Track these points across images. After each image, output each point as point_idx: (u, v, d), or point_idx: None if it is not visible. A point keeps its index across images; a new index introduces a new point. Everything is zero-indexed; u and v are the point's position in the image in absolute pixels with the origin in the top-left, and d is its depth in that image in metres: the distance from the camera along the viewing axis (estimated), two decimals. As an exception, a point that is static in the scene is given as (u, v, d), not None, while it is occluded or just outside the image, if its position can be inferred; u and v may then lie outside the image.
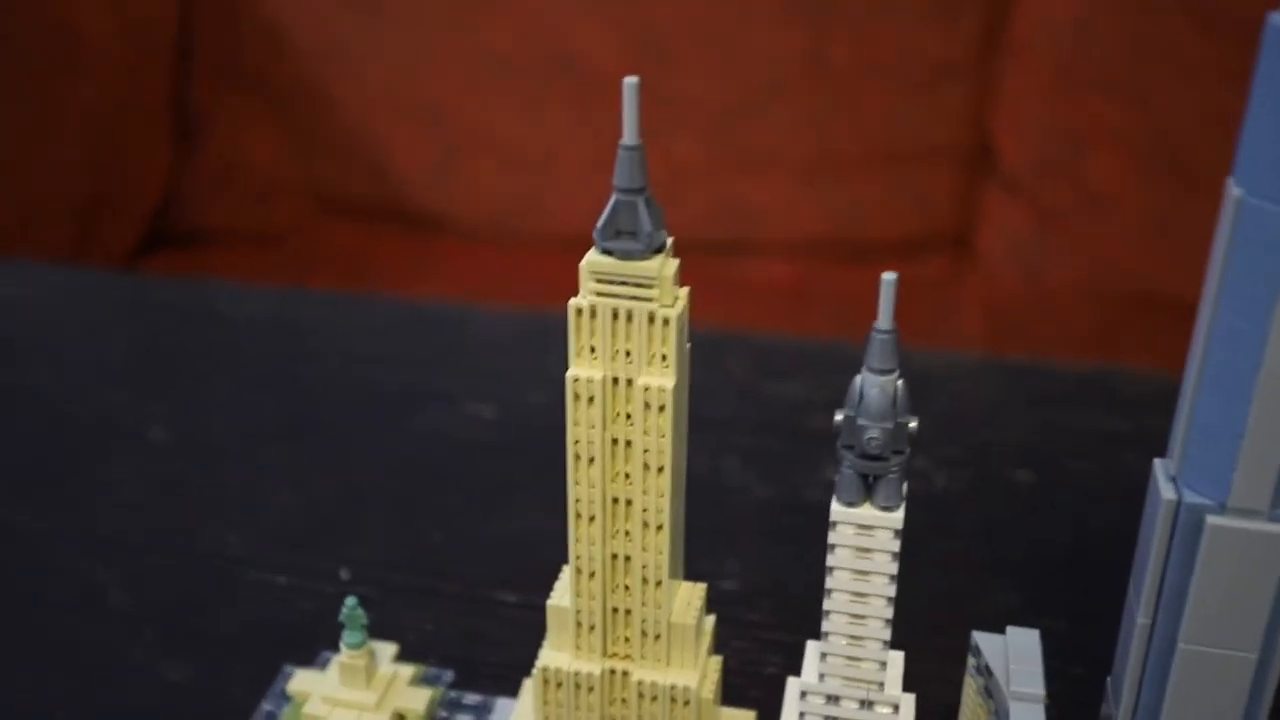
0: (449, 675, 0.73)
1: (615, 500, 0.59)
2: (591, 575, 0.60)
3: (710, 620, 0.64)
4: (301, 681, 0.71)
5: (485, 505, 0.91)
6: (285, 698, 0.71)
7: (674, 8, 1.67)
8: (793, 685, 0.63)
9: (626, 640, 0.62)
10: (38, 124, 1.63)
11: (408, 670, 0.72)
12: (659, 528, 0.59)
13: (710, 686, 0.63)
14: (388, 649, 0.72)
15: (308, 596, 0.81)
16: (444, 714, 0.70)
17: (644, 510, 0.58)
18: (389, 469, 0.95)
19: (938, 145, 1.72)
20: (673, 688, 0.61)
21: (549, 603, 0.62)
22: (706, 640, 0.64)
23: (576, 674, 0.62)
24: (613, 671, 0.63)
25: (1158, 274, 1.58)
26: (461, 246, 1.78)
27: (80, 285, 1.27)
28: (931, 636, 0.67)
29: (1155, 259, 1.59)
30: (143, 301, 1.25)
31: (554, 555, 0.85)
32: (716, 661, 0.65)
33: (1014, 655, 0.60)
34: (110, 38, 1.69)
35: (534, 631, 0.78)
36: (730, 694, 0.68)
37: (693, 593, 0.63)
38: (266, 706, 0.70)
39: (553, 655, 0.63)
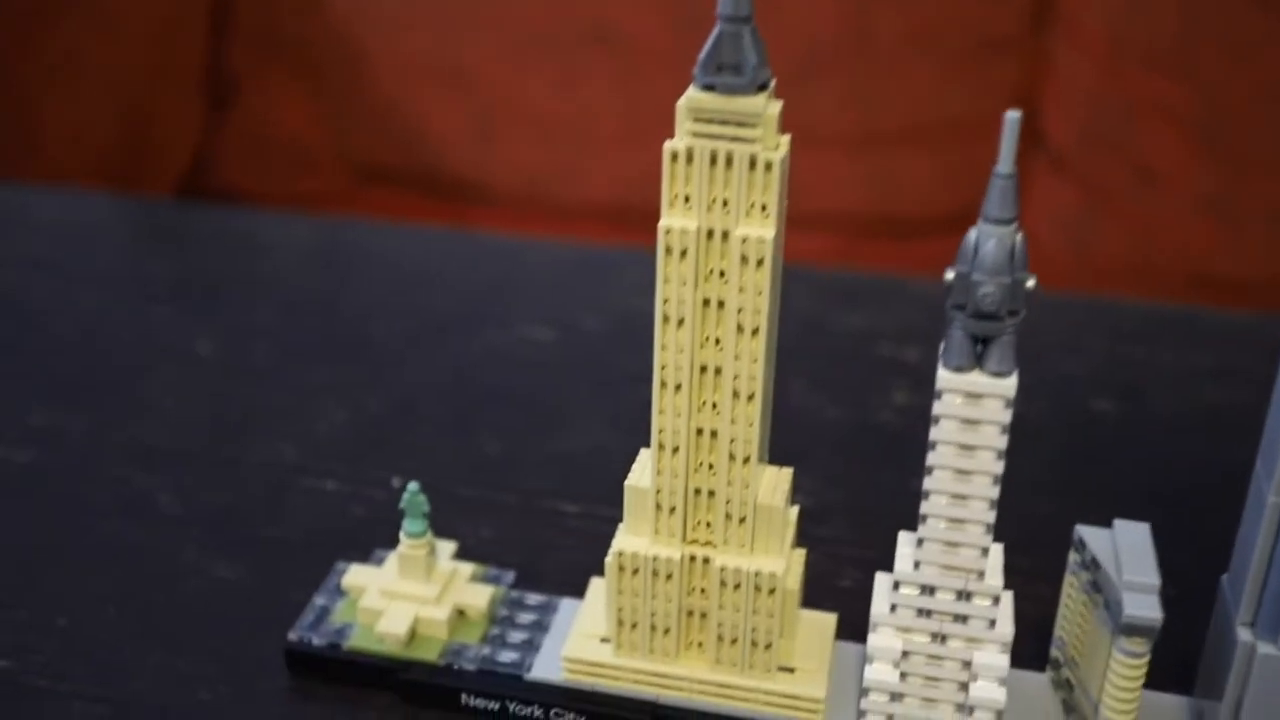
0: (510, 576, 0.70)
1: (704, 368, 0.56)
2: (675, 451, 0.58)
3: (794, 510, 0.61)
4: (357, 575, 0.68)
5: (542, 422, 0.88)
6: (339, 593, 0.68)
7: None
8: (882, 580, 0.61)
9: (708, 525, 0.59)
10: (69, 84, 1.61)
11: (467, 568, 0.69)
12: (750, 398, 0.56)
13: (795, 577, 0.60)
14: (447, 546, 0.70)
15: (359, 503, 0.79)
16: (505, 612, 0.67)
17: (735, 378, 0.55)
18: (442, 388, 0.92)
19: (984, 120, 1.69)
20: (757, 574, 0.58)
21: (627, 483, 0.59)
22: (791, 530, 0.61)
23: (655, 559, 0.59)
24: (693, 558, 0.60)
25: (1209, 253, 1.55)
26: (497, 215, 1.76)
27: (125, 212, 1.26)
28: (1011, 556, 0.65)
29: (1207, 238, 1.56)
30: (185, 229, 1.23)
31: (615, 470, 0.82)
32: (800, 554, 0.62)
33: (1124, 547, 0.57)
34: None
35: (597, 541, 0.75)
36: (806, 605, 0.65)
37: (779, 477, 0.60)
38: (319, 601, 0.67)
39: (629, 540, 0.60)
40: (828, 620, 0.64)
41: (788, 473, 0.60)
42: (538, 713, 0.62)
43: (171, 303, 1.04)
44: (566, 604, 0.67)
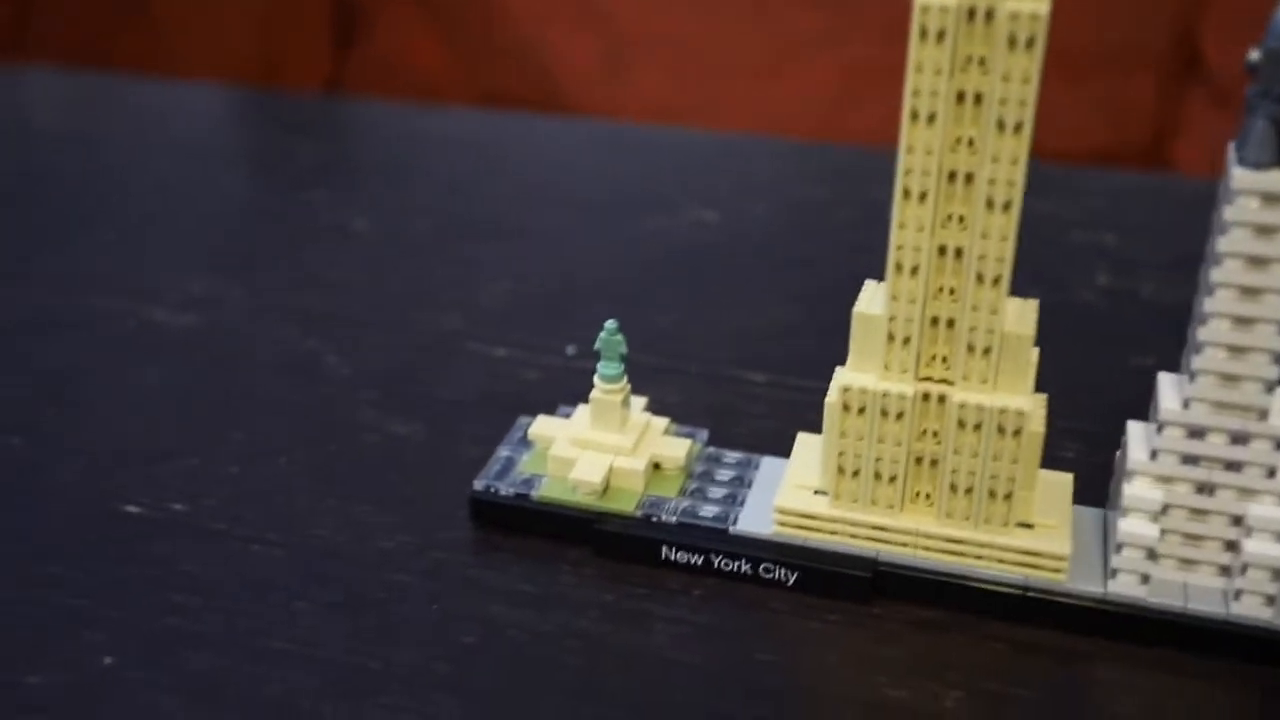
0: (704, 434, 0.65)
1: (953, 174, 0.50)
2: (913, 272, 0.52)
3: (1036, 351, 0.55)
4: (544, 426, 0.64)
5: (715, 297, 0.83)
6: (525, 445, 0.64)
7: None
8: (1135, 429, 0.54)
9: (944, 360, 0.53)
10: (199, 18, 1.61)
11: (660, 421, 0.64)
12: (1006, 207, 0.50)
13: (1040, 419, 0.54)
14: (638, 401, 0.65)
15: (532, 368, 0.75)
16: (703, 468, 0.62)
17: (990, 183, 0.49)
18: (608, 265, 0.88)
19: (1137, 50, 1.60)
20: (1001, 412, 0.52)
21: (855, 310, 0.54)
22: (1034, 370, 0.55)
23: (884, 395, 0.54)
24: (926, 396, 0.54)
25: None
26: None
27: (270, 106, 1.24)
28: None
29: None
30: (336, 118, 1.20)
31: (797, 344, 0.77)
32: (1043, 398, 0.56)
33: None
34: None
35: (786, 407, 0.70)
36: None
37: (1024, 308, 0.54)
38: (504, 452, 0.63)
39: (855, 376, 0.55)
40: (1064, 479, 0.58)
41: (1033, 304, 0.54)
42: (744, 567, 0.57)
43: (323, 186, 1.01)
44: (769, 461, 0.62)
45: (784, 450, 0.62)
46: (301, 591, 0.57)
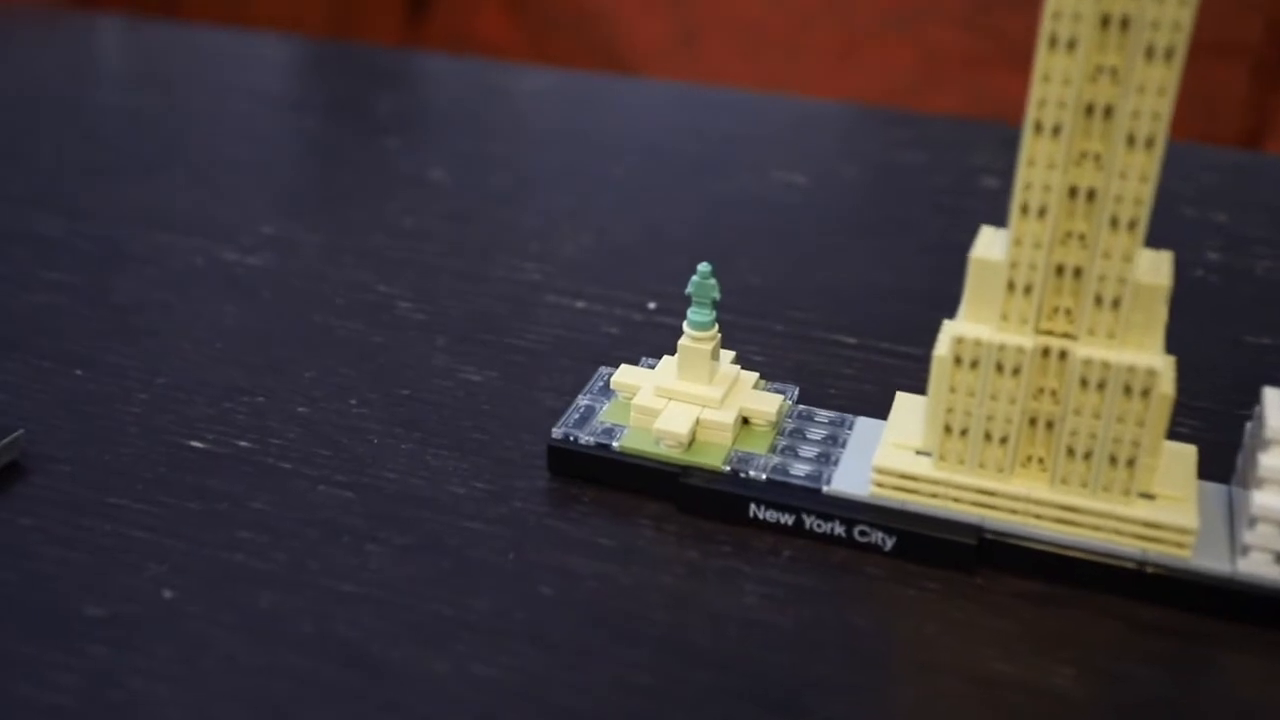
0: (795, 391, 0.62)
1: (1090, 108, 0.46)
2: (1041, 214, 0.48)
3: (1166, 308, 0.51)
4: (628, 375, 0.60)
5: (805, 259, 0.79)
6: (607, 394, 0.61)
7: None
8: (1273, 395, 0.50)
9: (1067, 313, 0.50)
10: None
11: (750, 375, 0.61)
12: (1149, 144, 0.46)
13: (1170, 381, 0.50)
14: (726, 354, 0.62)
15: (611, 321, 0.71)
16: (794, 425, 0.59)
17: (1133, 117, 0.46)
18: (694, 222, 0.84)
19: (1230, 40, 1.54)
20: (1130, 370, 0.49)
21: (972, 255, 0.50)
22: (1163, 328, 0.51)
23: (1001, 348, 0.50)
24: (1046, 351, 0.50)
25: None
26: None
27: (349, 54, 1.22)
28: None
29: None
30: (411, 70, 1.18)
31: (889, 308, 0.73)
32: (1173, 359, 0.52)
33: None
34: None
35: (878, 370, 0.67)
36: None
37: (1158, 260, 0.50)
38: (584, 401, 0.61)
39: (969, 327, 0.51)
40: (1187, 450, 0.54)
41: (1167, 255, 0.50)
42: (838, 529, 0.54)
43: (399, 135, 0.99)
44: (864, 422, 0.59)
45: (877, 414, 0.59)
46: (372, 534, 0.55)
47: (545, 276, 0.76)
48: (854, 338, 0.70)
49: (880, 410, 0.59)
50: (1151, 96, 0.45)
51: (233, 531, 0.55)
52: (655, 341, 0.69)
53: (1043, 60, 0.45)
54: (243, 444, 0.61)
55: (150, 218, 0.83)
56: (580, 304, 0.73)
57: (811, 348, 0.69)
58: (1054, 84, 0.45)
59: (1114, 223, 0.47)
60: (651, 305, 0.73)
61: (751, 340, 0.69)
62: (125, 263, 0.77)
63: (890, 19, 1.52)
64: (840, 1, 1.52)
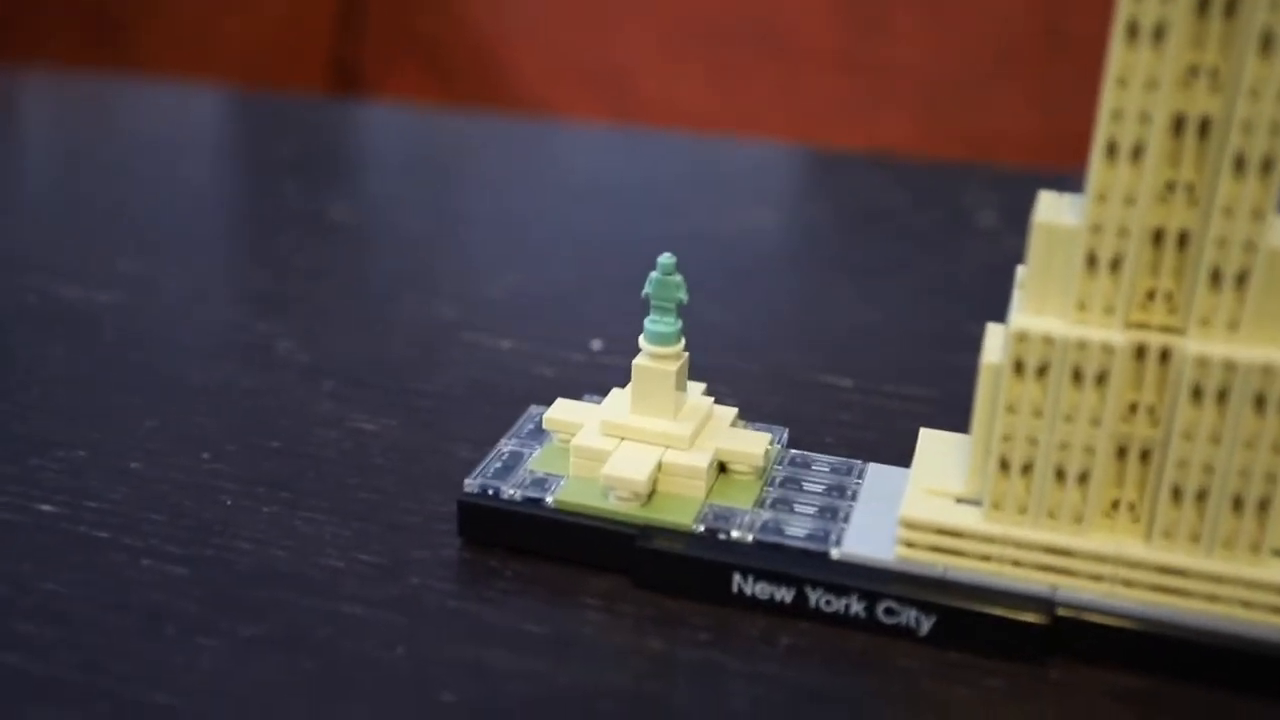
0: (783, 433, 0.47)
1: (1203, 6, 0.34)
2: (1134, 158, 0.35)
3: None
4: (565, 411, 0.46)
5: (780, 297, 0.66)
6: (537, 438, 0.46)
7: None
8: None
9: (1168, 299, 0.37)
10: (196, 59, 1.50)
11: (727, 411, 0.47)
12: (1289, 48, 0.34)
13: (1310, 390, 0.37)
14: (695, 386, 0.48)
15: (545, 362, 0.57)
16: (783, 471, 0.45)
17: (1271, 8, 0.33)
18: (645, 261, 0.71)
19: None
20: (1265, 373, 0.35)
21: (1035, 220, 0.37)
22: (1293, 321, 0.38)
23: (1080, 347, 0.37)
24: (1140, 349, 0.37)
25: None
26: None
27: (255, 101, 1.09)
28: None
29: None
30: (302, 120, 1.06)
31: (888, 349, 0.61)
32: (1303, 364, 0.39)
33: None
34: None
35: (884, 416, 0.53)
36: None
37: (1286, 225, 0.38)
38: (508, 446, 0.46)
39: (1031, 321, 0.38)
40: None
41: (1296, 222, 0.38)
42: (856, 607, 0.39)
43: (302, 176, 0.85)
44: (878, 468, 0.45)
45: (890, 462, 0.45)
46: (206, 624, 0.39)
47: (462, 315, 0.62)
48: (849, 379, 0.56)
49: (888, 460, 0.45)
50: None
51: (8, 624, 0.39)
52: (603, 384, 0.55)
53: (1140, -65, 0.33)
54: (45, 508, 0.45)
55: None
56: (506, 343, 0.59)
57: (797, 391, 0.55)
58: (1155, -32, 0.33)
59: (1238, 165, 0.34)
60: (596, 345, 0.59)
61: (719, 379, 0.55)
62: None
63: (836, 105, 1.44)
64: (792, 89, 1.45)
